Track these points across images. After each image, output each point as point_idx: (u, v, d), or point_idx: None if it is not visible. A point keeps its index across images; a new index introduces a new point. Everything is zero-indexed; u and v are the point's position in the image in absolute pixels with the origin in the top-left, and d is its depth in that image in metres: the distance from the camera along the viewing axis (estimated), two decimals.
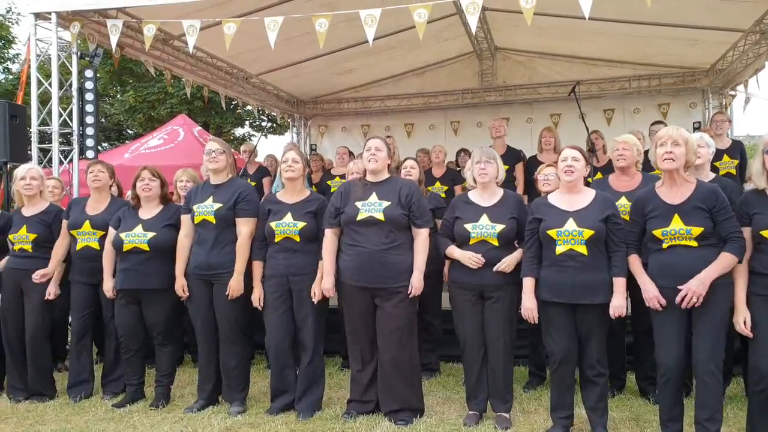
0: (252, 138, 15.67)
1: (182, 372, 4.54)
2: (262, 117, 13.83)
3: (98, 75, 14.99)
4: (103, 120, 18.03)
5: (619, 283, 3.04)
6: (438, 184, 5.92)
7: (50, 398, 4.02)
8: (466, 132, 9.65)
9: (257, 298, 3.64)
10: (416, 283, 3.41)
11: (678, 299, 2.82)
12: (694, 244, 2.85)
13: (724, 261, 2.81)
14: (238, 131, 16.93)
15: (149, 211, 3.87)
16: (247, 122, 15.93)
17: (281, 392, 3.67)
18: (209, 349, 3.76)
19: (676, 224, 2.86)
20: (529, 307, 3.18)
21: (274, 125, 14.11)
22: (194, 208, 3.69)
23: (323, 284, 3.51)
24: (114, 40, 5.28)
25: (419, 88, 9.75)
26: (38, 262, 3.95)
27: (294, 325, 3.65)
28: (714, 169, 4.96)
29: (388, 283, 3.38)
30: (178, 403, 3.89)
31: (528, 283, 3.20)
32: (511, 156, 6.12)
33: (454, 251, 3.42)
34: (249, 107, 9.89)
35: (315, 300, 3.56)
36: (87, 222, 3.92)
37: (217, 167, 3.71)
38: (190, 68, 7.45)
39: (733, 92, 8.09)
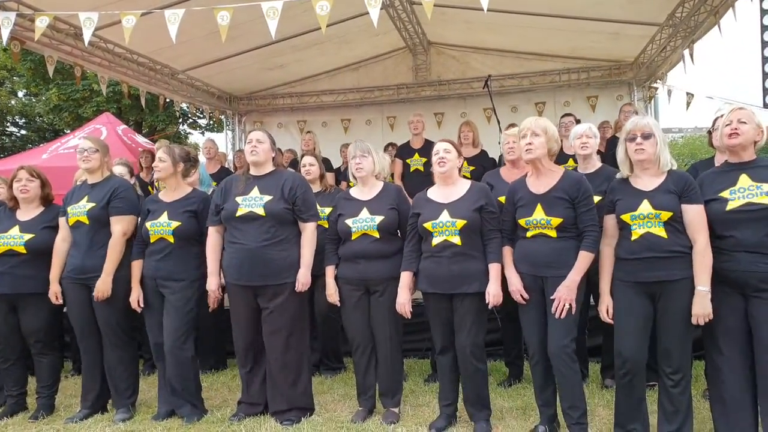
0: (189, 136, 15.30)
1: (73, 381, 4.36)
2: (197, 114, 13.46)
3: (21, 73, 14.29)
4: (38, 119, 17.37)
5: (494, 269, 3.02)
6: (351, 179, 5.88)
7: None
8: (403, 127, 9.57)
9: (134, 299, 3.49)
10: (302, 278, 3.33)
11: (553, 311, 2.84)
12: (553, 234, 2.88)
13: (583, 261, 2.84)
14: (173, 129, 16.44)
15: (28, 212, 3.69)
16: (181, 120, 15.55)
17: (166, 395, 3.54)
18: (91, 355, 3.59)
19: (538, 214, 2.88)
20: (401, 302, 3.16)
21: (212, 123, 13.79)
22: (68, 209, 3.54)
23: (207, 285, 3.41)
24: (5, 33, 5.00)
25: (355, 84, 9.67)
26: None
27: None
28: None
29: (270, 281, 3.29)
30: (62, 413, 3.71)
31: (405, 278, 3.17)
32: (430, 149, 6.12)
33: (328, 274, 3.44)
34: (183, 105, 9.64)
35: (212, 307, 3.47)
36: None
37: (90, 166, 3.56)
38: (107, 64, 7.17)
39: (655, 85, 8.26)
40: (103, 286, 3.41)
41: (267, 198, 3.32)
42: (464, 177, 3.39)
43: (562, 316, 2.82)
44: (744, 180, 2.66)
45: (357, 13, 7.05)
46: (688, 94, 7.98)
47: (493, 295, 3.00)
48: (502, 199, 3.44)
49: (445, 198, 3.13)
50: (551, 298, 2.84)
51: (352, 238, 3.30)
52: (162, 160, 3.49)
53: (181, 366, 3.43)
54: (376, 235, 3.26)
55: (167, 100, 8.84)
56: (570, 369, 2.83)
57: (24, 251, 3.57)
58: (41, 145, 16.01)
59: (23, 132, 18.07)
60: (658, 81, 8.15)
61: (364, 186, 3.42)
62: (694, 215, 2.68)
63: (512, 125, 6.13)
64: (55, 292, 3.53)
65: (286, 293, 3.31)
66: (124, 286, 3.47)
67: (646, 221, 2.70)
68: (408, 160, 6.14)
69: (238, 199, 3.34)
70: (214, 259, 3.41)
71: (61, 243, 3.59)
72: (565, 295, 2.81)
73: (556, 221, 2.84)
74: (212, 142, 6.67)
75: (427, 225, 3.07)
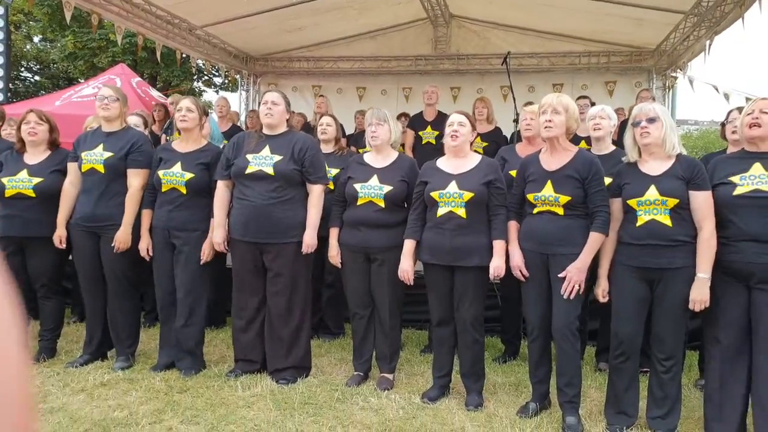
0: (203, 93, 15.22)
1: (75, 328, 4.42)
2: (213, 72, 13.34)
3: (37, 17, 14.17)
4: (52, 66, 17.30)
5: (498, 246, 3.02)
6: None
7: None
8: (418, 99, 9.47)
9: (144, 247, 3.53)
10: (308, 240, 3.35)
11: (563, 292, 2.81)
12: (560, 211, 2.87)
13: (594, 241, 2.81)
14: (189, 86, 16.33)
15: (36, 156, 3.70)
16: (196, 77, 15.41)
17: (168, 347, 3.60)
18: (95, 302, 3.65)
19: (548, 190, 2.87)
20: (405, 269, 3.17)
21: (227, 81, 13.68)
22: (82, 155, 3.54)
23: (213, 237, 3.43)
24: None
25: (372, 52, 9.53)
26: None
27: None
28: None
29: (275, 239, 3.31)
30: (63, 357, 3.78)
31: (407, 246, 3.18)
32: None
33: (331, 235, 3.43)
34: (200, 61, 9.57)
35: (204, 259, 3.47)
36: None
37: (109, 114, 3.55)
38: (125, 14, 7.10)
39: (675, 74, 8.11)
40: (123, 237, 3.45)
41: (277, 158, 3.32)
42: (476, 152, 3.37)
43: (571, 297, 2.81)
44: (757, 168, 2.65)
45: None
46: (712, 86, 7.78)
47: (495, 267, 3.00)
48: (514, 173, 3.44)
49: (455, 169, 3.12)
50: (558, 276, 2.82)
51: (358, 203, 3.31)
52: (191, 111, 3.48)
53: (193, 316, 3.49)
54: (382, 204, 3.26)
55: (183, 55, 8.78)
56: (572, 346, 2.85)
57: (33, 195, 3.59)
58: (54, 91, 15.99)
59: (37, 78, 18.01)
60: (679, 70, 8.00)
61: (378, 154, 3.41)
62: (702, 202, 2.67)
63: (529, 103, 6.10)
64: (60, 236, 3.56)
65: (291, 252, 3.33)
66: (134, 236, 3.50)
67: (652, 208, 2.70)
68: (420, 132, 6.08)
69: (249, 156, 3.34)
70: (221, 212, 3.43)
71: (70, 187, 3.60)
72: (575, 276, 2.79)
73: (564, 199, 2.83)
74: (225, 100, 6.65)
75: (434, 194, 3.07)
